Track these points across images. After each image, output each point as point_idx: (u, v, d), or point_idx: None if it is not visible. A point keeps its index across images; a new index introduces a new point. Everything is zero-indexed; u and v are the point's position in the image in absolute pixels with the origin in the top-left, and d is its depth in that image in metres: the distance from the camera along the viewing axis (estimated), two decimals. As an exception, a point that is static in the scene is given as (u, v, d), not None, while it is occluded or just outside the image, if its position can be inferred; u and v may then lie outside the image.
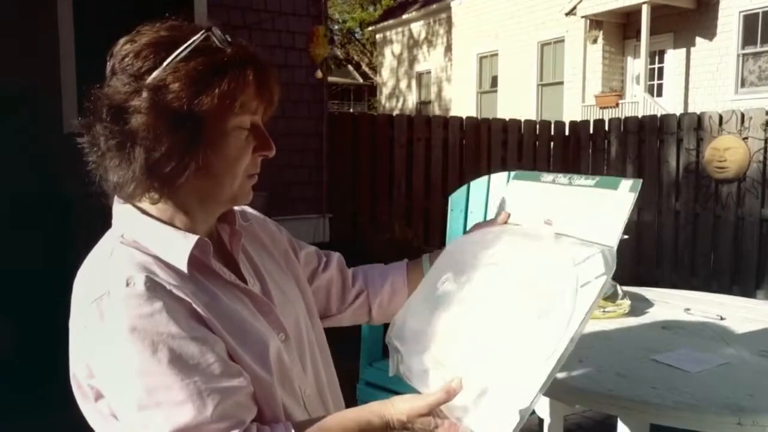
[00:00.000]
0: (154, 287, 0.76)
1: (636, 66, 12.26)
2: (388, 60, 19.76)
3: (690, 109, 10.14)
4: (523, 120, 5.18)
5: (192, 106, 0.77)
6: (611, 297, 1.60)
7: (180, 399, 0.74)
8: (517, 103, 13.68)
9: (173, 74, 0.77)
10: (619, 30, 12.61)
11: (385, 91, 19.80)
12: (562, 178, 1.02)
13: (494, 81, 15.30)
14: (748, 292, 4.24)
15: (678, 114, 4.92)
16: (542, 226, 0.96)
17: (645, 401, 1.10)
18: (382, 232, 4.26)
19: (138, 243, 0.82)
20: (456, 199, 2.41)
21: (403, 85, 19.12)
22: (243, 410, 0.78)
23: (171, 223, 0.84)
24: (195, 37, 0.80)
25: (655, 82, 12.16)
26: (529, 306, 0.84)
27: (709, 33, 11.19)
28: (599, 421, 2.90)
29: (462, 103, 15.48)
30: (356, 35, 24.21)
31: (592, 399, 1.14)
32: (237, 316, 0.84)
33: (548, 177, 1.04)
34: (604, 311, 1.58)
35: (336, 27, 23.28)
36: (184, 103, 0.77)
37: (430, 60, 17.94)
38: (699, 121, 4.60)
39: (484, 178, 2.39)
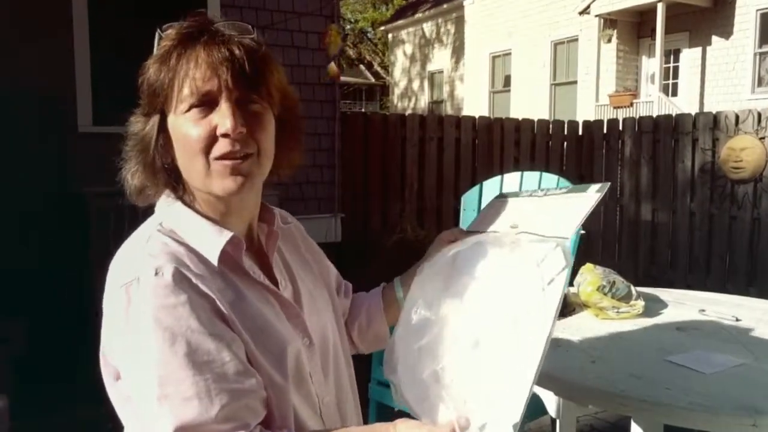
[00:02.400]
0: (181, 279, 0.77)
1: (651, 65, 12.16)
2: (400, 59, 19.75)
3: (705, 109, 10.04)
4: (536, 120, 5.15)
5: (152, 100, 0.84)
6: (625, 298, 1.59)
7: (188, 395, 0.74)
8: (530, 103, 13.61)
9: (146, 74, 0.85)
10: (633, 29, 12.51)
11: (397, 90, 19.80)
12: (539, 191, 1.03)
13: (507, 80, 15.24)
14: (765, 293, 4.19)
15: (693, 113, 4.87)
16: (503, 231, 0.97)
17: (658, 402, 1.09)
18: (393, 231, 4.26)
19: (175, 233, 0.84)
20: (468, 198, 2.40)
21: (415, 84, 19.10)
22: (249, 414, 0.78)
23: (211, 216, 0.86)
24: (155, 40, 0.86)
25: (670, 81, 12.05)
26: (501, 316, 0.83)
27: (726, 31, 11.07)
28: (612, 422, 2.88)
29: (474, 103, 15.43)
30: (368, 35, 24.22)
31: (605, 399, 1.13)
32: (260, 317, 0.83)
33: (526, 192, 1.06)
34: (618, 312, 1.57)
35: (348, 27, 23.31)
36: (147, 99, 0.85)
37: (442, 59, 17.91)
38: (715, 120, 4.55)
39: (497, 177, 2.38)
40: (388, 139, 4.60)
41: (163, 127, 0.84)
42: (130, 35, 4.10)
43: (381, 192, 4.58)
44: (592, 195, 0.92)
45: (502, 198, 1.09)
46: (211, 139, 0.81)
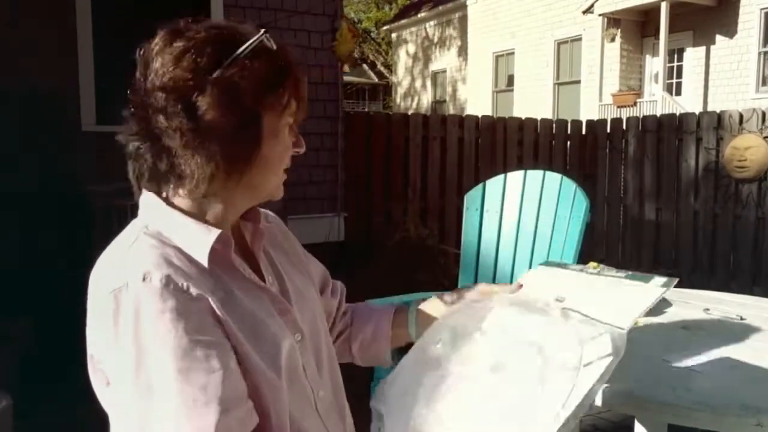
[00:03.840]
0: (169, 285, 0.76)
1: (654, 64, 12.13)
2: (403, 59, 19.75)
3: (709, 108, 10.00)
4: (539, 119, 5.14)
5: (257, 104, 0.81)
6: (629, 297, 1.58)
7: (172, 405, 0.73)
8: (533, 102, 13.60)
9: (241, 72, 0.79)
10: (637, 28, 12.48)
11: (400, 90, 19.80)
12: (590, 269, 0.99)
13: (510, 80, 15.22)
14: (769, 293, 4.18)
15: (697, 113, 4.85)
16: (552, 301, 0.91)
17: (663, 401, 1.08)
18: (396, 231, 4.26)
19: (161, 234, 0.82)
20: (472, 197, 2.40)
21: (418, 84, 19.10)
22: (239, 425, 0.76)
23: (199, 216, 0.84)
24: (256, 36, 0.82)
25: (674, 80, 12.02)
26: (529, 370, 0.79)
27: (730, 30, 11.03)
28: (616, 422, 2.87)
29: (477, 102, 15.42)
30: (371, 34, 24.22)
31: (609, 399, 1.13)
32: (252, 316, 0.83)
33: (576, 267, 1.01)
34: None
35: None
36: (252, 102, 0.80)
37: (445, 59, 17.90)
38: (719, 119, 4.54)
39: (500, 176, 2.38)
40: (391, 138, 4.60)
41: (261, 128, 0.83)
42: (134, 34, 4.12)
43: (384, 191, 4.58)
44: (655, 289, 0.88)
45: (547, 265, 1.04)
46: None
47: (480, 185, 2.40)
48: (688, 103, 10.99)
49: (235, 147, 0.80)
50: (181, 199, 0.84)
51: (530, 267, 2.26)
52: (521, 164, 4.84)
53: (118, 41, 3.82)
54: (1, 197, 3.32)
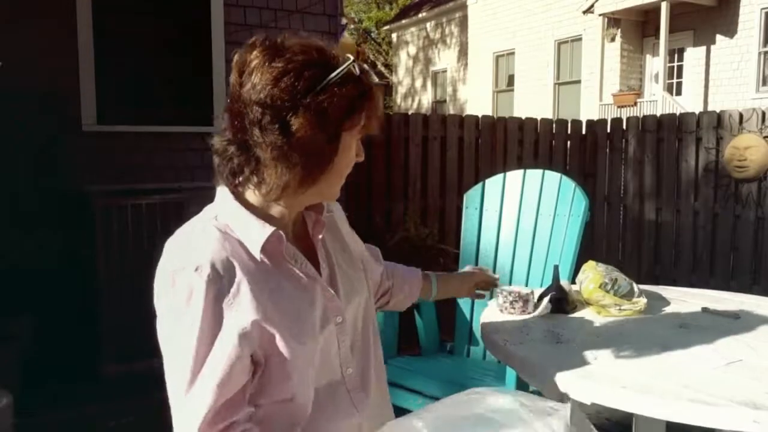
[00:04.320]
0: (213, 281, 0.89)
1: (655, 64, 12.13)
2: (403, 59, 19.75)
3: (710, 108, 10.01)
4: (539, 119, 5.14)
5: (340, 126, 0.92)
6: (627, 295, 1.59)
7: (187, 379, 0.88)
8: (533, 102, 13.60)
9: (330, 96, 0.90)
10: (637, 28, 12.48)
11: (401, 90, 19.80)
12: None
13: (510, 80, 15.22)
14: (769, 292, 4.18)
15: (697, 112, 4.85)
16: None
17: (660, 398, 1.09)
18: (397, 230, 4.26)
19: (228, 227, 0.95)
20: (471, 196, 2.41)
21: (418, 84, 19.09)
22: (234, 407, 0.90)
23: (264, 211, 0.97)
24: (346, 65, 0.92)
25: (675, 80, 12.02)
26: None
27: (730, 30, 11.03)
28: (615, 420, 2.88)
29: (478, 102, 15.43)
30: (372, 35, 24.22)
31: (607, 396, 1.13)
32: (294, 305, 0.94)
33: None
34: (620, 309, 1.57)
35: (352, 26, 23.31)
36: (337, 124, 0.92)
37: (445, 59, 17.90)
38: (719, 119, 4.54)
39: (500, 176, 2.39)
40: (391, 138, 4.60)
41: (339, 143, 0.94)
42: (135, 33, 4.13)
43: (384, 191, 4.58)
44: None
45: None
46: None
47: (479, 184, 2.41)
48: (689, 103, 10.99)
49: (314, 161, 0.92)
50: (253, 195, 0.97)
51: (529, 266, 2.27)
52: (521, 164, 4.84)
53: (119, 40, 3.84)
54: (0, 196, 3.32)
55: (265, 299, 0.91)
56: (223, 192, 0.98)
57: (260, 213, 0.96)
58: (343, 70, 0.91)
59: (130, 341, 3.30)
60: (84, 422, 2.76)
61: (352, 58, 0.93)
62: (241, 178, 0.95)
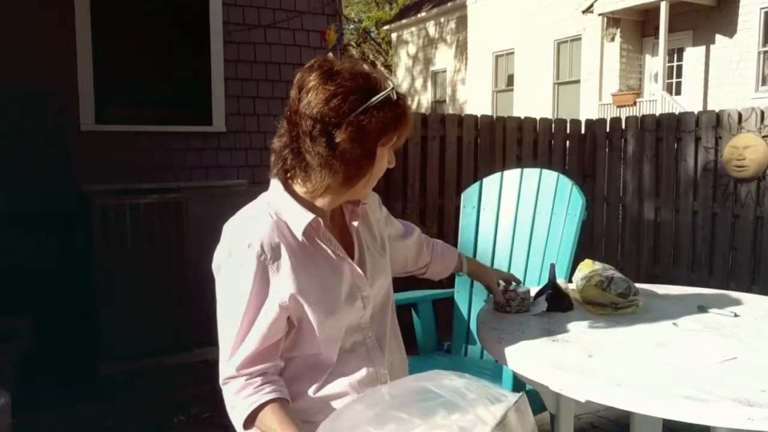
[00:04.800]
0: (264, 254, 1.12)
1: (654, 64, 12.13)
2: (403, 59, 19.75)
3: (709, 107, 10.01)
4: (538, 119, 5.14)
5: (376, 142, 1.13)
6: (623, 293, 1.59)
7: (234, 332, 1.12)
8: (533, 102, 13.60)
9: (369, 117, 1.09)
10: (636, 27, 12.48)
11: (401, 90, 19.78)
12: None
13: (510, 80, 15.22)
14: (768, 292, 4.18)
15: (696, 112, 4.85)
16: None
17: (656, 396, 1.09)
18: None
19: (279, 213, 1.16)
20: (469, 195, 2.41)
21: (418, 84, 19.10)
22: (267, 358, 1.13)
23: (309, 202, 1.18)
24: (384, 92, 1.11)
25: (674, 80, 12.02)
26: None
27: (729, 30, 11.04)
28: (613, 420, 2.88)
29: (477, 102, 15.43)
30: (372, 34, 24.22)
31: (602, 394, 1.14)
32: (325, 278, 1.17)
33: None
34: (616, 307, 1.57)
35: (352, 26, 23.32)
36: (372, 140, 1.12)
37: (445, 59, 17.90)
38: (718, 118, 4.54)
39: (497, 174, 2.39)
40: (390, 137, 4.61)
41: (374, 155, 1.15)
42: (133, 33, 4.13)
43: (383, 190, 4.58)
44: None
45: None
46: None
47: (477, 183, 2.41)
48: (688, 102, 10.99)
49: (353, 170, 1.13)
50: (300, 188, 1.18)
51: (526, 265, 2.27)
52: (520, 163, 4.85)
53: (118, 39, 3.84)
54: None
55: (302, 275, 1.14)
56: (275, 183, 1.19)
57: (305, 203, 1.17)
58: (381, 96, 1.10)
59: (129, 341, 3.31)
60: (82, 422, 2.76)
61: (391, 85, 1.13)
62: (290, 174, 1.16)
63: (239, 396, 1.11)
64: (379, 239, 1.34)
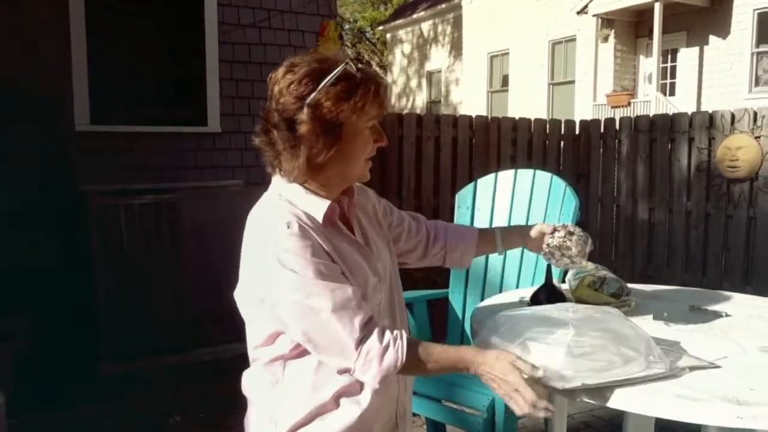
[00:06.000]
0: (303, 230, 1.13)
1: (648, 65, 12.18)
2: (398, 59, 19.76)
3: (703, 108, 10.05)
4: (533, 119, 5.16)
5: (337, 115, 1.13)
6: (616, 294, 1.61)
7: (323, 291, 1.11)
8: (528, 103, 13.63)
9: (325, 95, 1.13)
10: (631, 28, 12.53)
11: (396, 90, 19.80)
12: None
13: (505, 80, 15.25)
14: (761, 292, 4.19)
15: (690, 112, 4.87)
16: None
17: (647, 394, 1.10)
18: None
19: (290, 201, 1.18)
20: (463, 196, 2.42)
21: (413, 84, 19.11)
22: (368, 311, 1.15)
23: (314, 192, 1.20)
24: (338, 69, 1.14)
25: (668, 81, 12.07)
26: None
27: (723, 31, 11.09)
28: (607, 419, 2.90)
29: (472, 102, 15.45)
30: (367, 35, 24.22)
31: (595, 392, 1.15)
32: (352, 258, 1.21)
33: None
34: (609, 308, 1.58)
35: (347, 26, 23.31)
36: (333, 114, 1.13)
37: (440, 59, 17.92)
38: (711, 119, 4.56)
39: (491, 175, 2.40)
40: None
41: (342, 131, 1.16)
42: (128, 33, 4.12)
43: (378, 190, 4.54)
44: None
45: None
46: (371, 148, 1.24)
47: (471, 184, 2.42)
48: (682, 103, 11.04)
49: (318, 148, 1.14)
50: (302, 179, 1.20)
51: (520, 265, 2.28)
52: (515, 164, 4.86)
53: (112, 40, 3.84)
54: (-5, 196, 3.32)
55: (332, 252, 1.16)
56: (279, 179, 1.22)
57: (312, 193, 1.21)
58: (336, 72, 1.13)
59: (127, 341, 3.31)
60: (79, 422, 2.76)
61: (346, 61, 1.15)
62: (270, 168, 1.21)
63: (388, 351, 1.11)
64: (378, 224, 1.38)
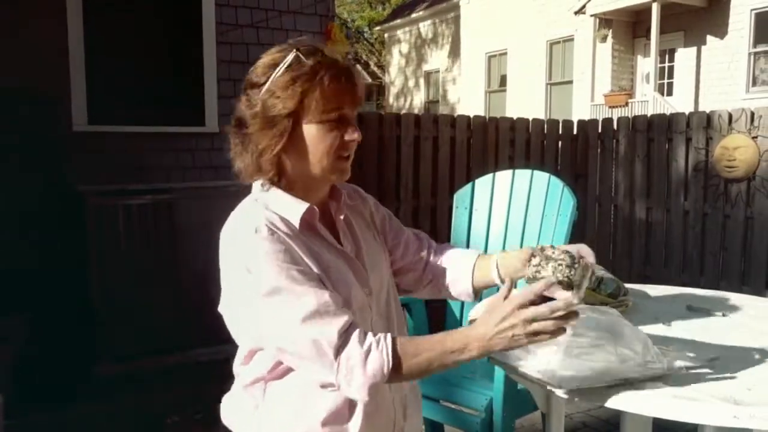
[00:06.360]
0: (274, 234, 1.04)
1: (646, 65, 12.19)
2: (396, 59, 19.76)
3: (700, 108, 10.07)
4: (531, 119, 5.16)
5: (283, 107, 1.05)
6: (613, 293, 1.61)
7: (296, 297, 1.00)
8: (525, 103, 13.64)
9: (273, 86, 1.06)
10: (628, 28, 12.54)
11: (394, 90, 19.81)
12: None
13: (503, 80, 15.26)
14: (759, 292, 4.21)
15: (687, 113, 4.88)
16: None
17: (645, 395, 1.11)
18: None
19: (267, 204, 1.10)
20: (461, 196, 2.42)
21: (411, 84, 19.11)
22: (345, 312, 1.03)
23: (294, 195, 1.12)
24: (287, 58, 1.07)
25: (666, 81, 12.08)
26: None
27: (721, 31, 11.11)
28: (604, 419, 2.90)
29: (470, 103, 15.46)
30: (365, 34, 24.22)
31: (592, 393, 1.15)
32: (334, 267, 1.09)
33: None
34: (606, 308, 1.58)
35: (345, 27, 23.29)
36: (278, 107, 1.06)
37: (438, 59, 17.93)
38: (708, 119, 4.57)
39: (489, 176, 2.40)
40: (383, 138, 4.61)
41: (290, 126, 1.07)
42: (126, 33, 4.12)
43: (376, 190, 4.58)
44: None
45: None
46: (339, 143, 1.10)
47: (469, 184, 2.42)
48: (680, 103, 11.06)
49: (264, 144, 1.08)
50: (280, 182, 1.13)
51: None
52: (513, 164, 4.86)
53: (110, 40, 3.83)
54: (-8, 197, 3.31)
55: (308, 259, 1.06)
56: (255, 185, 1.15)
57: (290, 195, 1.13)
58: (282, 66, 1.06)
59: (124, 341, 3.31)
60: (77, 422, 2.76)
61: (295, 48, 1.07)
62: (248, 173, 1.13)
63: (371, 354, 0.98)
64: (375, 233, 1.27)
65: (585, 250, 1.20)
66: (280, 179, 1.12)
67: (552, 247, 1.19)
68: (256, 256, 1.02)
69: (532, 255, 1.18)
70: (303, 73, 1.05)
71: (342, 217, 1.19)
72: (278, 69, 1.06)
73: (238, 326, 1.11)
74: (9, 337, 2.98)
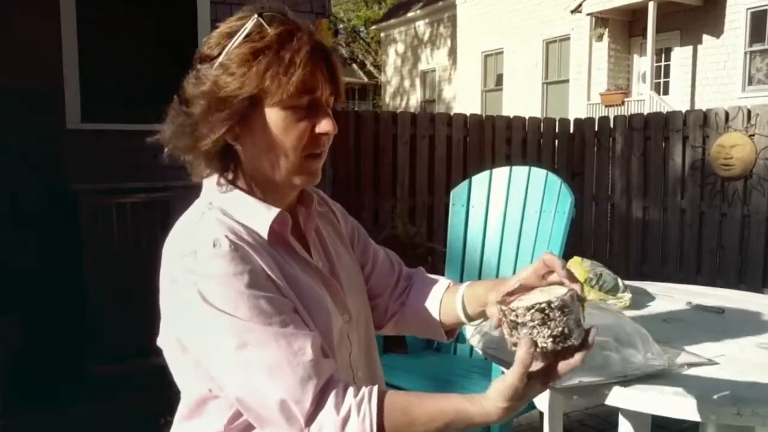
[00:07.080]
0: (236, 249, 0.82)
1: (642, 64, 12.21)
2: (392, 58, 19.76)
3: (697, 107, 10.08)
4: (527, 117, 5.16)
5: (239, 90, 0.83)
6: (612, 290, 1.60)
7: (264, 339, 0.79)
8: (522, 102, 13.65)
9: (227, 61, 0.84)
10: (624, 27, 12.56)
11: (390, 89, 19.81)
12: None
13: (499, 79, 15.27)
14: (755, 290, 4.21)
15: (684, 111, 4.88)
16: None
17: (644, 392, 1.09)
18: (385, 228, 4.26)
19: (225, 210, 0.87)
20: (458, 194, 2.40)
21: (407, 83, 19.11)
22: (326, 367, 0.82)
23: (258, 197, 0.90)
24: (246, 25, 0.85)
25: (662, 79, 12.10)
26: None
27: (716, 30, 11.13)
28: (602, 417, 2.89)
29: (467, 102, 15.46)
30: (361, 34, 24.21)
31: (590, 391, 1.13)
32: (309, 290, 0.88)
33: None
34: (605, 304, 1.57)
35: (341, 26, 23.30)
36: (233, 87, 0.83)
37: (434, 58, 17.93)
38: (705, 118, 4.57)
39: (486, 173, 2.39)
40: (379, 136, 4.60)
41: (246, 110, 0.85)
42: (120, 30, 4.09)
43: (372, 189, 4.57)
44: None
45: None
46: (309, 137, 0.87)
47: (466, 181, 2.41)
48: (676, 102, 11.08)
49: (202, 129, 0.86)
50: (237, 181, 0.91)
51: (516, 262, 2.27)
52: (509, 162, 4.85)
53: (104, 38, 3.80)
54: (-16, 195, 3.28)
55: (280, 278, 0.84)
56: (211, 181, 0.91)
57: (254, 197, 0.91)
58: (240, 35, 0.85)
59: (118, 341, 3.28)
60: (72, 423, 2.74)
61: (256, 17, 0.86)
62: (194, 165, 0.94)
63: (349, 422, 0.78)
64: (346, 246, 1.06)
65: (548, 260, 0.87)
66: (236, 177, 0.90)
67: (507, 302, 0.85)
68: (213, 279, 0.80)
69: (500, 317, 0.84)
70: (266, 44, 0.83)
71: (313, 229, 0.98)
72: (235, 39, 0.84)
73: (184, 367, 0.88)
74: (3, 337, 2.96)
